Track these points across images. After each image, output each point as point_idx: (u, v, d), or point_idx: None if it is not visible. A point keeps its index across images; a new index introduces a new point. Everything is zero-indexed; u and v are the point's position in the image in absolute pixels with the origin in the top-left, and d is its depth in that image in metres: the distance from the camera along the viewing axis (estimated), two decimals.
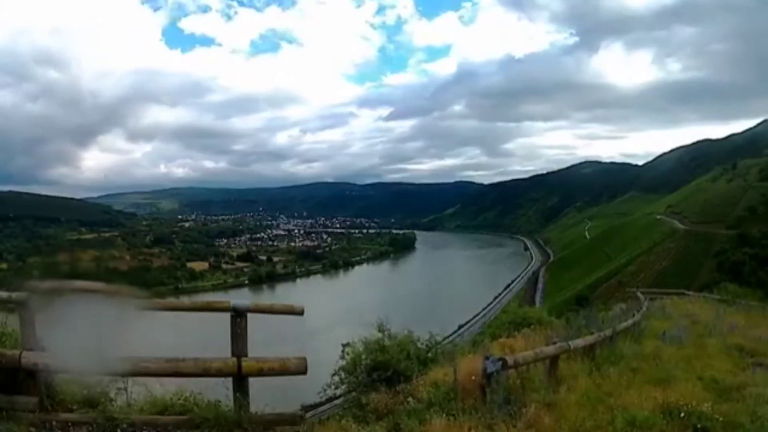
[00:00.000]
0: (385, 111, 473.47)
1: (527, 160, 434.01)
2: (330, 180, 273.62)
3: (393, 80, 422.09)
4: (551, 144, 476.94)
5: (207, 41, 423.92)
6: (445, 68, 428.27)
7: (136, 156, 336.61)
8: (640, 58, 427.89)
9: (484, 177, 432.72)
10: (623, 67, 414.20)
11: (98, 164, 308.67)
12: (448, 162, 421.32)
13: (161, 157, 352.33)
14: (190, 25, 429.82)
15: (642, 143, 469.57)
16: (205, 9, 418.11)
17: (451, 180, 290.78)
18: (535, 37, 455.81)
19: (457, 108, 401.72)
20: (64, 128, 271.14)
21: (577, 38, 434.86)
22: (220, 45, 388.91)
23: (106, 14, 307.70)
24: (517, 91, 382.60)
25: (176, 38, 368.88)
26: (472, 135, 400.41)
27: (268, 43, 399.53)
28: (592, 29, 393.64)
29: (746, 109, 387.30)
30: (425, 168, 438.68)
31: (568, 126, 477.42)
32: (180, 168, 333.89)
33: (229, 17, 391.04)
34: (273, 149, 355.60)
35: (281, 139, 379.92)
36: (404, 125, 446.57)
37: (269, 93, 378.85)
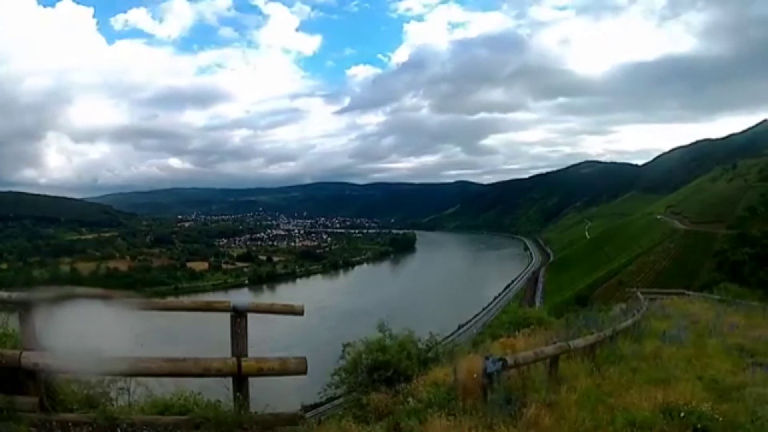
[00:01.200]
0: (337, 106, 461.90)
1: (511, 159, 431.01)
2: (309, 180, 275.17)
3: (343, 72, 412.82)
4: (531, 140, 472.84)
5: (142, 36, 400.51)
6: (397, 58, 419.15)
7: (94, 156, 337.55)
8: (603, 33, 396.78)
9: (471, 176, 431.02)
10: (583, 45, 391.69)
11: (64, 165, 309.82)
12: (429, 159, 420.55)
13: (128, 157, 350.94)
14: (121, 20, 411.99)
15: (631, 139, 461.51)
16: (137, 4, 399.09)
17: (438, 180, 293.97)
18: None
19: (414, 100, 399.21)
20: (8, 131, 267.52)
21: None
22: (159, 41, 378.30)
23: (26, 12, 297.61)
24: (471, 76, 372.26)
25: (108, 33, 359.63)
26: (444, 131, 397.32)
27: (209, 38, 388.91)
28: None
29: (730, 96, 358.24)
30: (406, 166, 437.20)
31: (542, 120, 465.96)
32: (152, 168, 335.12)
33: (161, 12, 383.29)
34: (232, 149, 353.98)
35: (236, 138, 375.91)
36: (371, 122, 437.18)
37: (211, 89, 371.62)
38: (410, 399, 4.96)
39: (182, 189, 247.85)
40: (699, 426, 4.25)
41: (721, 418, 4.36)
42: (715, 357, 7.68)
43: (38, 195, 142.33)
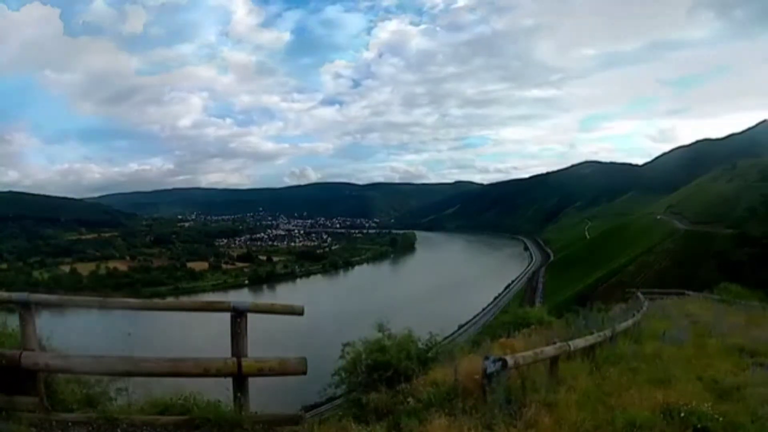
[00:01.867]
0: (312, 102, 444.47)
1: (503, 157, 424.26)
2: (300, 181, 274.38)
3: (316, 68, 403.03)
4: (521, 138, 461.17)
5: (109, 33, 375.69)
6: (368, 51, 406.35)
7: (73, 156, 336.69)
8: (575, 16, 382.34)
9: (464, 175, 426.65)
10: (556, 32, 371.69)
11: (45, 165, 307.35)
12: (417, 158, 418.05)
13: (108, 157, 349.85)
14: (85, 18, 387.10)
15: (624, 136, 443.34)
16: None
17: (430, 179, 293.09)
18: None
19: (386, 96, 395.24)
20: None
21: None
22: (125, 38, 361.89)
23: None
24: (440, 69, 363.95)
25: (74, 32, 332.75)
26: (426, 129, 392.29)
27: (175, 34, 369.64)
28: None
29: (723, 88, 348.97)
30: (395, 165, 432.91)
31: (529, 116, 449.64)
32: (138, 168, 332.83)
33: (124, 8, 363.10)
34: (213, 148, 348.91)
35: (212, 137, 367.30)
36: (352, 119, 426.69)
37: (179, 86, 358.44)
38: (410, 399, 4.95)
39: (181, 189, 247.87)
40: (699, 426, 4.25)
41: (721, 419, 4.36)
42: (715, 357, 7.68)
43: (38, 195, 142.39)
